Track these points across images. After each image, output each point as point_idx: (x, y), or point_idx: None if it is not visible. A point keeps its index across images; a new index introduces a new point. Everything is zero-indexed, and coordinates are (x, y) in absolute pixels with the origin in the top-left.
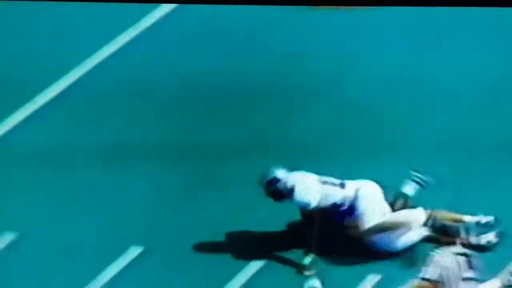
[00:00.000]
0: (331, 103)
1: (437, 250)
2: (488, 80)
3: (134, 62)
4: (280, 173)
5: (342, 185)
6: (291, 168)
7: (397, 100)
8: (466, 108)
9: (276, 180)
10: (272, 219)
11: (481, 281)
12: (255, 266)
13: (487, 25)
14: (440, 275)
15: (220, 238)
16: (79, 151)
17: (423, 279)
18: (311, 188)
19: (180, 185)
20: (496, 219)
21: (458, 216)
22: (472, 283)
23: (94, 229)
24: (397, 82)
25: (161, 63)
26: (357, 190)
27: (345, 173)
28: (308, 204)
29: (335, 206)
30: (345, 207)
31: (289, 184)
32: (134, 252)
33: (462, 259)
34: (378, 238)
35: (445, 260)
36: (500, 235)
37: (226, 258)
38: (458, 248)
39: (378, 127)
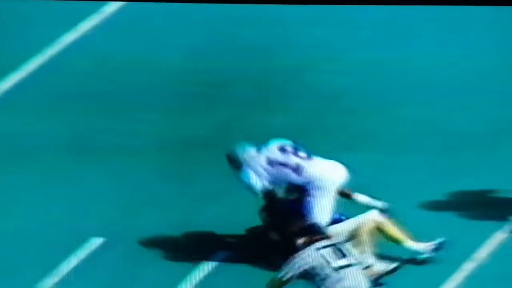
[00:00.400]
0: (305, 95)
1: (299, 252)
2: (462, 74)
3: (97, 52)
4: (241, 152)
5: (297, 170)
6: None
7: (372, 92)
8: (441, 100)
9: (232, 158)
10: (236, 212)
11: (358, 265)
12: (216, 259)
13: (460, 21)
14: (303, 272)
15: (182, 230)
16: (40, 142)
17: (283, 280)
18: (256, 171)
19: (142, 177)
20: (443, 244)
21: (402, 237)
22: (349, 269)
23: (54, 220)
24: (372, 74)
25: (124, 54)
26: (311, 180)
27: None
28: (252, 187)
29: (288, 190)
30: (293, 196)
31: (241, 163)
32: (94, 243)
33: (328, 251)
34: None
35: (308, 259)
36: (438, 247)
37: (187, 251)
38: (322, 243)
39: (353, 118)
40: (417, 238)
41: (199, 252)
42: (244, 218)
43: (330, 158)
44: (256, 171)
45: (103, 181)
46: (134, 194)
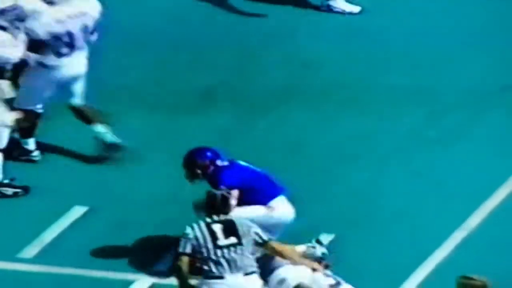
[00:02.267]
0: (283, 60)
1: None
2: (445, 41)
3: None
4: None
5: None
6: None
7: (354, 59)
8: (424, 68)
9: None
10: None
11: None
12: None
13: None
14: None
15: (165, 198)
16: None
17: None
18: None
19: (125, 143)
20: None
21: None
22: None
23: (39, 188)
24: (354, 41)
25: (105, 19)
26: None
27: (295, 129)
28: None
29: None
30: None
31: None
32: (78, 212)
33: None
34: None
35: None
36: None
37: (171, 219)
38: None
39: (330, 84)
40: (407, 206)
41: (184, 224)
42: None
43: (311, 127)
44: None
45: (87, 149)
46: (119, 163)
